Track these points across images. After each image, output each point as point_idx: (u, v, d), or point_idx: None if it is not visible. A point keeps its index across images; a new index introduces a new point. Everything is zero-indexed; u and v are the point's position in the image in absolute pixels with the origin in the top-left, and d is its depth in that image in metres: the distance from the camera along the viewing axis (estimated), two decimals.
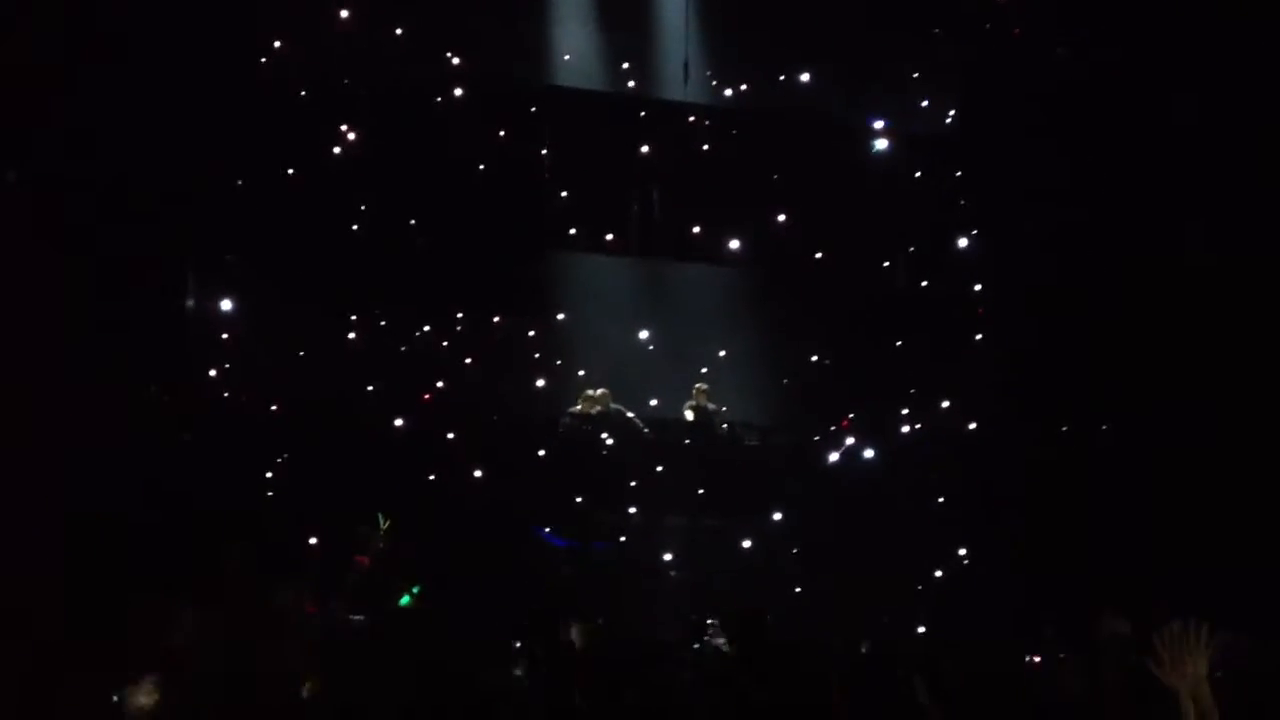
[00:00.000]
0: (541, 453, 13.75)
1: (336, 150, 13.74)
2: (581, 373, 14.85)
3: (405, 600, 6.68)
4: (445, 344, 14.17)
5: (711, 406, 14.92)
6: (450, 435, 13.47)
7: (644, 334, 14.51)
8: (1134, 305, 12.67)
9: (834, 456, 13.70)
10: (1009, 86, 14.22)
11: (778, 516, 13.66)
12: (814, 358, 14.93)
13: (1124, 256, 12.86)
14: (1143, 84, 13.03)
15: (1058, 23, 14.05)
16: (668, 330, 14.80)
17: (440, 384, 13.91)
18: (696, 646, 8.06)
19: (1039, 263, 13.57)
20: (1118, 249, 12.89)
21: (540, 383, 14.22)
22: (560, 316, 14.85)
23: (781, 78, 14.84)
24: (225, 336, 13.03)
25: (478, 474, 12.79)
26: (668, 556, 13.55)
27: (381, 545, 6.97)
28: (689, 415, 14.86)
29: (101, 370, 10.70)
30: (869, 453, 13.56)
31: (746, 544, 13.46)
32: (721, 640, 7.44)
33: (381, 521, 6.97)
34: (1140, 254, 12.66)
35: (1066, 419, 13.55)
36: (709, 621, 8.62)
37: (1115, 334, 12.69)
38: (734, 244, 14.68)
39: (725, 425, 14.91)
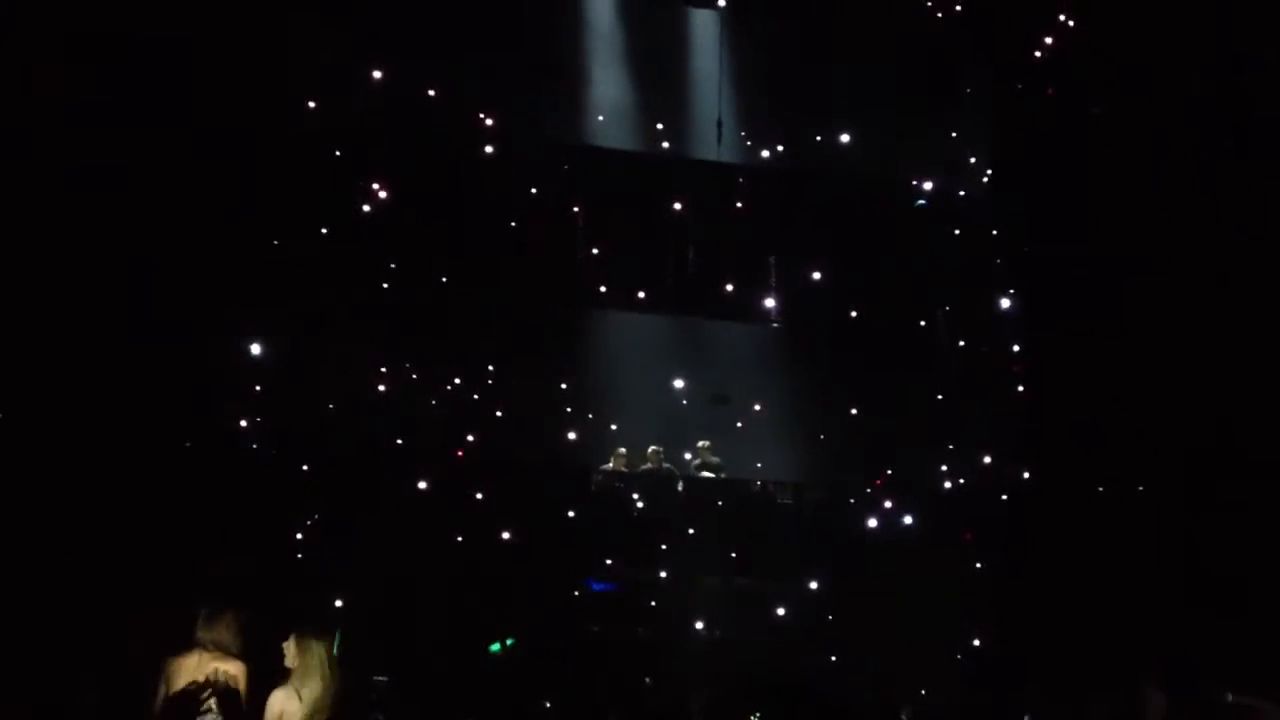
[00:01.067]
0: (573, 512, 13.65)
1: (368, 205, 13.79)
2: (614, 427, 14.77)
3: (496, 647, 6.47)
4: (475, 397, 14.13)
5: (714, 460, 14.93)
6: (480, 494, 13.38)
7: (678, 384, 14.46)
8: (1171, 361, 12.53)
9: (873, 523, 13.49)
10: (1042, 145, 14.16)
11: (814, 585, 13.49)
12: (853, 410, 14.83)
13: (1159, 314, 12.73)
14: (1173, 140, 12.97)
15: (1091, 81, 14.02)
16: (701, 386, 14.74)
17: (470, 438, 13.85)
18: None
19: (1075, 320, 13.43)
20: (1153, 306, 12.76)
21: (572, 436, 14.13)
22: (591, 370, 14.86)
23: (818, 138, 14.86)
24: (257, 388, 13.01)
25: (505, 535, 12.66)
26: (700, 622, 13.41)
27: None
28: (704, 472, 14.89)
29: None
30: (908, 519, 13.35)
31: (780, 610, 13.32)
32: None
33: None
34: (1177, 311, 12.52)
35: (1101, 478, 13.34)
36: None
37: (1155, 390, 12.53)
38: (768, 302, 14.65)
39: (758, 484, 14.85)
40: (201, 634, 6.50)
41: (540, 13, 14.92)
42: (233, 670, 6.33)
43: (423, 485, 12.90)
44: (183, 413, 11.94)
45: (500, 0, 14.35)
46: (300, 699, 6.08)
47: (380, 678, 10.76)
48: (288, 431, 12.95)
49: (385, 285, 14.07)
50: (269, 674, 6.41)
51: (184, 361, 11.82)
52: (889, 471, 14.34)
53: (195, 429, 12.17)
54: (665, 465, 14.71)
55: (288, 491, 12.39)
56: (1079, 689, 9.31)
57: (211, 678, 6.08)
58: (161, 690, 6.25)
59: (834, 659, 12.92)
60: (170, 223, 11.78)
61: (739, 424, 14.94)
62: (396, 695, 9.87)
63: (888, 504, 14.05)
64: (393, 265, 14.18)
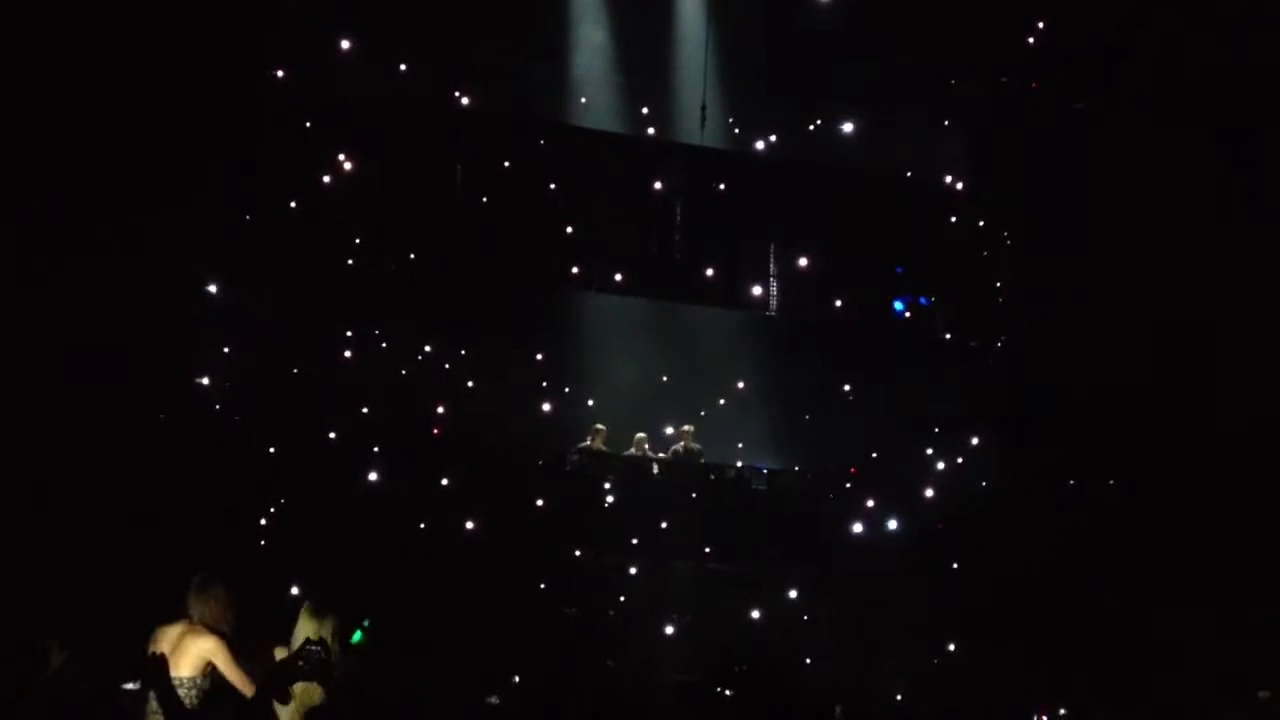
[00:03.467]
0: (548, 492, 13.65)
1: (348, 180, 13.73)
2: (591, 402, 14.82)
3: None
4: (467, 380, 14.13)
5: (696, 447, 14.95)
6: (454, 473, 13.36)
7: (661, 377, 14.51)
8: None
9: (858, 528, 13.51)
10: (1026, 138, 14.25)
11: (787, 570, 13.52)
12: (816, 406, 14.91)
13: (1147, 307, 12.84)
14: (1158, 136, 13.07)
15: (1074, 76, 14.10)
16: (676, 369, 14.78)
17: (441, 410, 13.83)
18: (719, 690, 8.00)
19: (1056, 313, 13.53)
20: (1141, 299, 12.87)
21: (546, 407, 14.15)
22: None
23: (808, 125, 14.89)
24: (226, 350, 12.94)
25: (469, 525, 12.62)
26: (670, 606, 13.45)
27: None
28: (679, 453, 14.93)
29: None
30: (893, 524, 13.37)
31: (752, 595, 13.35)
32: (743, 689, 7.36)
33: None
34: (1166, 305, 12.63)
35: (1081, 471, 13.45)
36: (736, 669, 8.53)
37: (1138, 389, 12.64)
38: (752, 289, 14.69)
39: (733, 471, 14.90)
40: (191, 604, 6.49)
41: None
42: (209, 645, 6.31)
43: (399, 462, 12.85)
44: (172, 388, 11.89)
45: None
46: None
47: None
48: (263, 407, 12.89)
49: (357, 262, 13.98)
50: (249, 651, 6.41)
51: (170, 336, 11.76)
52: (874, 455, 14.33)
53: (182, 405, 12.12)
54: (647, 451, 14.72)
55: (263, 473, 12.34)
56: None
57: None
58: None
59: (807, 641, 12.97)
60: (145, 194, 11.68)
61: (718, 407, 14.95)
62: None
63: (860, 491, 14.09)
64: (369, 243, 14.11)
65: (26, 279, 10.65)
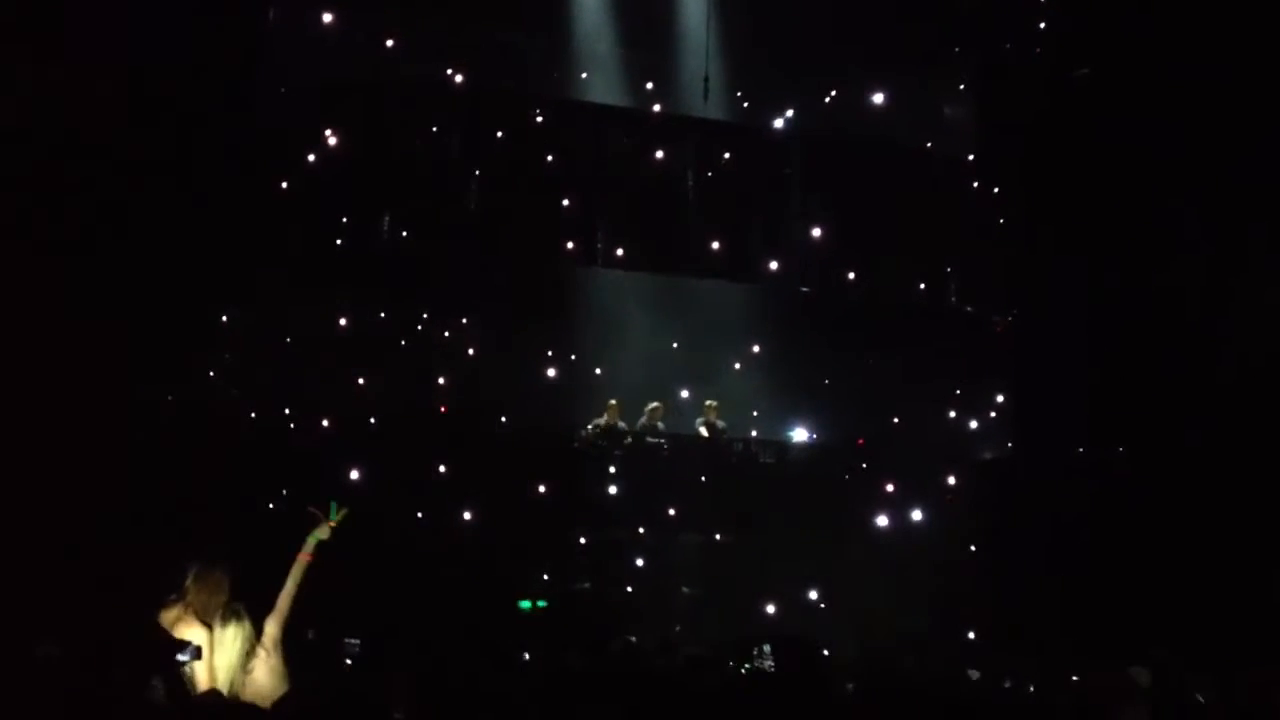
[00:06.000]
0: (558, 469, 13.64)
1: (346, 156, 13.68)
2: (599, 371, 14.81)
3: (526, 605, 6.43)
4: (470, 351, 14.09)
5: (720, 424, 14.89)
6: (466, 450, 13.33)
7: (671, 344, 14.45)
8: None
9: (883, 520, 13.46)
10: (1029, 104, 14.20)
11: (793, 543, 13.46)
12: (826, 381, 14.91)
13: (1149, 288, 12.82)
14: (1159, 102, 13.02)
15: (1077, 42, 14.04)
16: (686, 338, 14.76)
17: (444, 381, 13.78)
18: (746, 667, 8.00)
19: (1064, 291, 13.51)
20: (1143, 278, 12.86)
21: (552, 372, 14.07)
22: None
23: (814, 96, 14.84)
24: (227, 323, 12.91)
25: (467, 516, 12.58)
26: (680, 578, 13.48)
27: (326, 537, 6.65)
28: (703, 431, 14.85)
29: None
30: (917, 514, 13.32)
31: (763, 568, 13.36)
32: (770, 663, 7.36)
33: (334, 511, 6.65)
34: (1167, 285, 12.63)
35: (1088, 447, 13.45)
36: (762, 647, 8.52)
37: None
38: (762, 261, 14.68)
39: (740, 443, 14.91)
40: (189, 593, 6.47)
41: None
42: (199, 638, 6.28)
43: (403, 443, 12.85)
44: (175, 376, 11.86)
45: None
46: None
47: (352, 640, 10.68)
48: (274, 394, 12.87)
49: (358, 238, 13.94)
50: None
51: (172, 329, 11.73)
52: (895, 420, 14.25)
53: (185, 392, 12.09)
54: (660, 424, 14.67)
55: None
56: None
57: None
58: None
59: (818, 617, 12.98)
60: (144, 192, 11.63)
61: (730, 377, 14.95)
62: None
63: (868, 463, 14.12)
64: (370, 219, 14.07)
65: (23, 270, 10.62)
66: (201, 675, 6.09)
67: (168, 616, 6.36)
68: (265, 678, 6.15)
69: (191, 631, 6.23)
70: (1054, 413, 13.55)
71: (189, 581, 6.43)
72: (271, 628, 6.29)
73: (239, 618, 6.27)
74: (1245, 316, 12.03)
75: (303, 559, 6.47)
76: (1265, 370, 11.76)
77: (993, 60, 14.81)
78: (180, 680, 5.73)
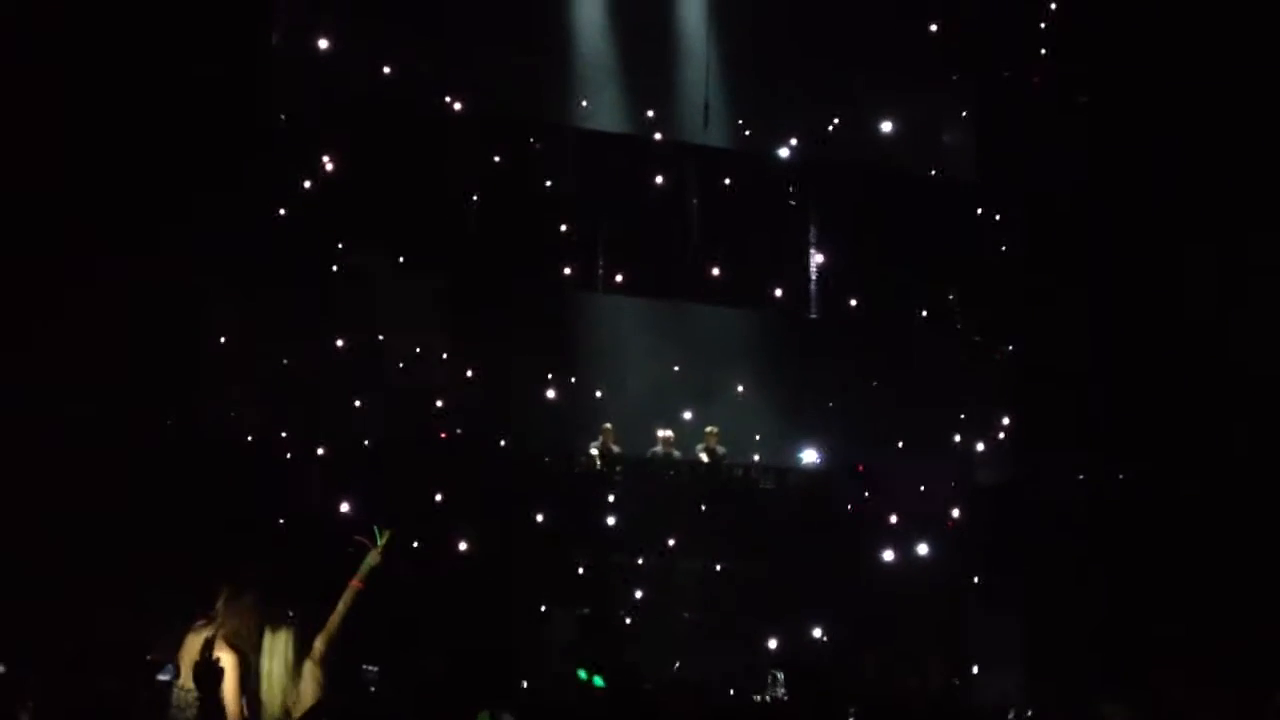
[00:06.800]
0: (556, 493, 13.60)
1: (346, 180, 13.69)
2: (599, 394, 14.81)
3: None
4: (469, 374, 14.09)
5: (721, 449, 14.87)
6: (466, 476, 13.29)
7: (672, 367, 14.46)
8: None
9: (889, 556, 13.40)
10: (1027, 129, 14.26)
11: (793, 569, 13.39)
12: (830, 404, 14.91)
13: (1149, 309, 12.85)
14: (1160, 127, 13.07)
15: (1076, 70, 14.11)
16: (686, 365, 14.77)
17: (438, 404, 13.75)
18: (759, 698, 7.99)
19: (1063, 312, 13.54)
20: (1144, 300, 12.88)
21: (551, 394, 14.10)
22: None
23: (811, 122, 14.89)
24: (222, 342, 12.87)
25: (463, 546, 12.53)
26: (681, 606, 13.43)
27: (378, 563, 6.83)
28: (703, 457, 14.82)
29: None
30: (922, 548, 13.27)
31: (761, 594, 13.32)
32: (782, 690, 7.33)
33: (379, 535, 6.82)
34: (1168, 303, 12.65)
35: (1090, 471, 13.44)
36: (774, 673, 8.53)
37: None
38: (762, 288, 14.70)
39: (741, 469, 14.89)
40: (220, 616, 6.44)
41: None
42: (228, 661, 6.26)
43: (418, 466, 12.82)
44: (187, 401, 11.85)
45: None
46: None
47: (370, 667, 10.66)
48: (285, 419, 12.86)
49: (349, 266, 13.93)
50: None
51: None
52: (898, 444, 14.27)
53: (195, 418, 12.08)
54: (676, 453, 14.66)
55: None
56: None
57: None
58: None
59: (818, 643, 12.93)
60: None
61: (731, 403, 14.95)
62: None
63: (870, 489, 14.10)
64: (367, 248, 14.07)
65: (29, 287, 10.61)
66: (229, 694, 6.08)
67: (196, 639, 6.33)
68: (311, 689, 6.34)
69: (222, 655, 6.21)
70: (1058, 437, 13.54)
71: (220, 604, 6.42)
72: (320, 644, 6.47)
73: (290, 627, 6.37)
74: (1249, 340, 12.04)
75: (354, 585, 6.62)
76: (1270, 396, 11.77)
77: (993, 86, 14.84)
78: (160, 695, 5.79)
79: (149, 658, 7.21)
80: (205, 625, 6.37)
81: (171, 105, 11.77)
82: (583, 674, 6.35)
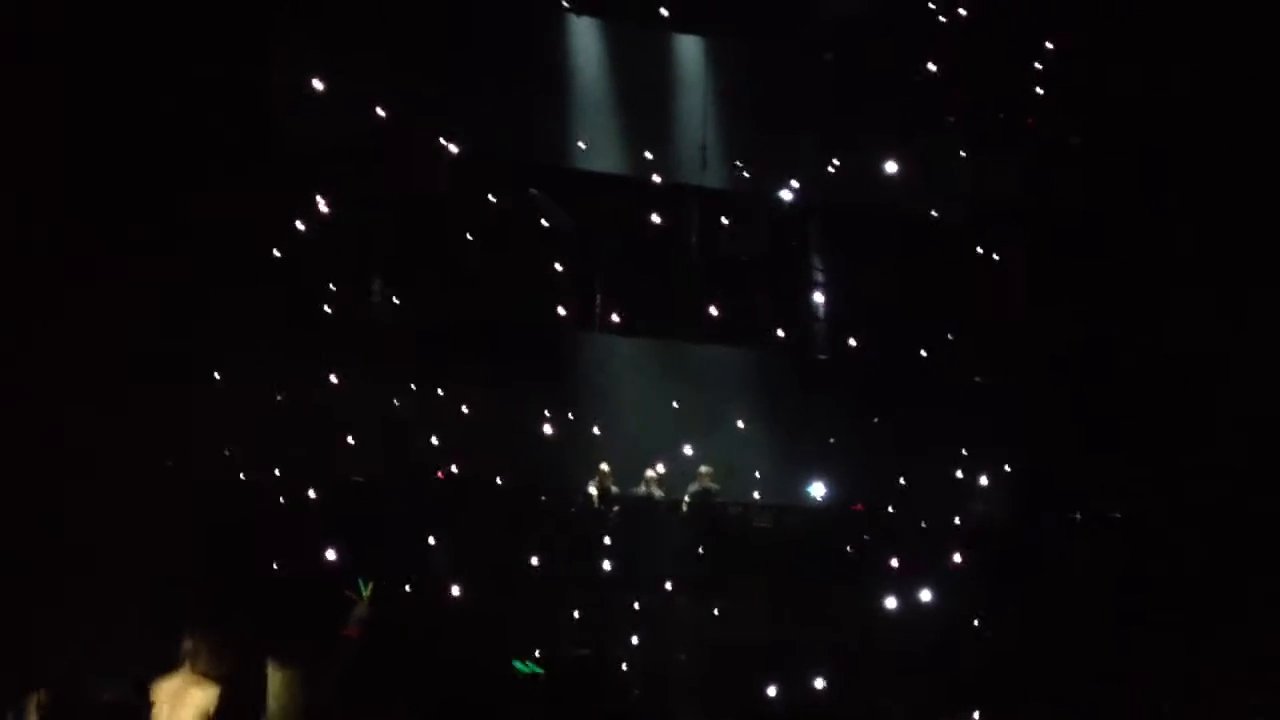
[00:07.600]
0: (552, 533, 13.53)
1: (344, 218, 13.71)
2: (597, 430, 14.75)
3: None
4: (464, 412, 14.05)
5: (715, 488, 14.83)
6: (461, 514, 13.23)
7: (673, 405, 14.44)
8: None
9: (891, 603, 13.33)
10: (1024, 174, 14.34)
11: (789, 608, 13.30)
12: (831, 440, 14.87)
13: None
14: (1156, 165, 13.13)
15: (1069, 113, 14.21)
16: (681, 407, 14.75)
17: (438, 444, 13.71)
18: None
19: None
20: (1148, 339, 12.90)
21: (547, 430, 14.06)
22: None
23: (810, 163, 14.95)
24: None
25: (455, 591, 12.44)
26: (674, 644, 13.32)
27: (366, 614, 6.82)
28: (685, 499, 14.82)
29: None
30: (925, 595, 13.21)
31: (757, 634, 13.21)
32: None
33: (363, 587, 6.82)
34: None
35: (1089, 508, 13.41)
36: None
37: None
38: (757, 327, 14.70)
39: (737, 508, 14.82)
40: (190, 656, 6.40)
41: (523, 36, 14.88)
42: (208, 695, 6.23)
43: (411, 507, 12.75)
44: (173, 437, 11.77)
45: (484, 23, 14.31)
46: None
47: None
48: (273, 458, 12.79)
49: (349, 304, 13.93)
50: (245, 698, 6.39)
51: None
52: (900, 480, 14.24)
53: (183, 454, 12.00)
54: (657, 491, 14.59)
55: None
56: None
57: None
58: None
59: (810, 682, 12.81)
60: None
61: (729, 440, 14.92)
62: None
63: (867, 529, 14.04)
64: (371, 287, 14.08)
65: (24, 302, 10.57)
66: None
67: (169, 685, 6.28)
68: None
69: (199, 694, 6.17)
70: (1059, 477, 13.51)
71: (188, 646, 6.37)
72: (319, 694, 6.49)
73: (290, 669, 6.34)
74: (1247, 379, 12.05)
75: (347, 635, 6.67)
76: (1268, 433, 11.76)
77: (990, 128, 14.92)
78: None
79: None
80: (176, 671, 6.35)
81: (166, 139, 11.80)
82: (520, 666, 6.41)
